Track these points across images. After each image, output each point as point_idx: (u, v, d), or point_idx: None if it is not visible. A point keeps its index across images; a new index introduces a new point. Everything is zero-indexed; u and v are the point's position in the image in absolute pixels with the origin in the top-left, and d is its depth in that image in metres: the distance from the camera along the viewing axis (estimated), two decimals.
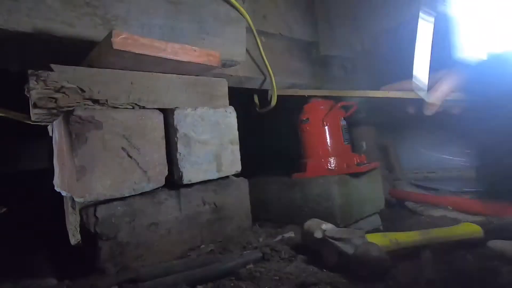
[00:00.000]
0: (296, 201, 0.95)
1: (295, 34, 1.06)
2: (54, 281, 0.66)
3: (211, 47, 0.77)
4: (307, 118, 1.04)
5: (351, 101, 1.07)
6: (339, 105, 1.03)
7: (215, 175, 0.76)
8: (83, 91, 0.60)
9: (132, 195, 0.64)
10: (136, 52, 0.57)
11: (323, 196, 0.89)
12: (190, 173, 0.71)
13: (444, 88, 0.98)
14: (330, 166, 0.98)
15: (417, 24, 0.87)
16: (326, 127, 1.02)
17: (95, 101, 0.61)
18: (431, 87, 0.96)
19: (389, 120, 1.29)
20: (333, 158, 0.99)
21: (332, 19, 1.13)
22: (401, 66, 1.14)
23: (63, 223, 0.70)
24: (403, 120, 1.17)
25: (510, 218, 0.71)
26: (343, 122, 1.04)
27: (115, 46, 0.54)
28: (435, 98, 0.97)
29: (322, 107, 1.04)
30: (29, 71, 0.56)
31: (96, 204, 0.59)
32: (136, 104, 0.66)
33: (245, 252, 0.65)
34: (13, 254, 0.77)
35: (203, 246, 0.71)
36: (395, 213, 1.12)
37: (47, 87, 0.56)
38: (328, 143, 1.01)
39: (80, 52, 0.63)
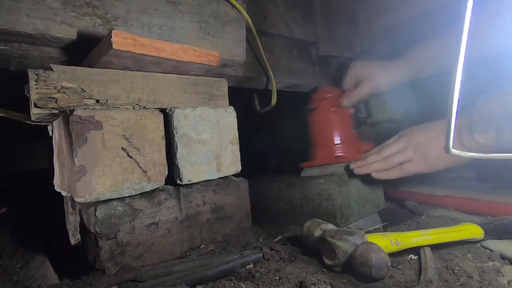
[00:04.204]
0: (296, 201, 0.95)
1: (295, 34, 1.05)
2: (54, 280, 0.66)
3: (211, 47, 0.77)
4: (315, 107, 1.01)
5: None
6: (347, 93, 1.00)
7: (215, 175, 0.76)
8: (83, 91, 0.60)
9: (132, 195, 0.64)
10: (136, 52, 0.57)
11: (323, 196, 0.89)
12: (190, 173, 0.71)
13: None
14: (339, 153, 0.95)
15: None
16: (334, 115, 0.99)
17: (95, 101, 0.61)
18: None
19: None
20: (341, 145, 0.96)
21: (332, 19, 1.14)
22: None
23: (63, 223, 0.70)
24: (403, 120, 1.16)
25: (510, 218, 0.70)
26: (352, 110, 1.01)
27: (115, 46, 0.54)
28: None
29: (329, 95, 1.01)
30: (29, 71, 0.56)
31: (96, 204, 0.59)
32: (136, 104, 0.66)
33: (245, 252, 0.65)
34: (13, 254, 0.77)
35: (203, 246, 0.72)
36: (395, 213, 1.12)
37: (47, 87, 0.56)
38: (336, 131, 0.98)
39: (80, 52, 0.63)
